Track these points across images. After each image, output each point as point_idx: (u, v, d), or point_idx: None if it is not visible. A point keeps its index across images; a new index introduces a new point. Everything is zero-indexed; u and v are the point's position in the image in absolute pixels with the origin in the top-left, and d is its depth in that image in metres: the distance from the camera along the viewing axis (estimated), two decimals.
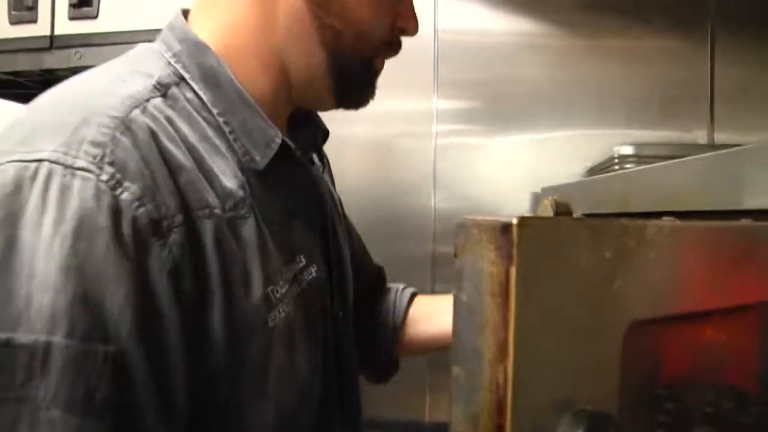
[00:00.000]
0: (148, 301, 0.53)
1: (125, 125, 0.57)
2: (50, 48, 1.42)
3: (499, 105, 1.91)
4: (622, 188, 1.00)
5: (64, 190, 0.52)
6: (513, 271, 0.35)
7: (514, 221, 0.36)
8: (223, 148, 0.65)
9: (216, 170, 0.63)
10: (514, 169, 1.90)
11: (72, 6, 1.41)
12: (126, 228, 0.53)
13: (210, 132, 0.65)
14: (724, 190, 0.64)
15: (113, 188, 0.53)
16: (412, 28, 0.78)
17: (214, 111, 0.67)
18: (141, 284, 0.53)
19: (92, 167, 0.53)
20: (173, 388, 0.56)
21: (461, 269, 0.38)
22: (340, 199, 0.98)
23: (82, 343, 0.49)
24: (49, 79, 1.55)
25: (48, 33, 1.43)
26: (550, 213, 0.40)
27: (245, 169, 0.67)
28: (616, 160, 1.49)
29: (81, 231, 0.51)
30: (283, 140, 0.69)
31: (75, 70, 1.48)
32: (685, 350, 0.47)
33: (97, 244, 0.51)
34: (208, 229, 0.60)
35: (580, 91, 1.90)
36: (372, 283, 1.09)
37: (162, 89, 0.64)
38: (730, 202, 0.61)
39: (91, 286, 0.50)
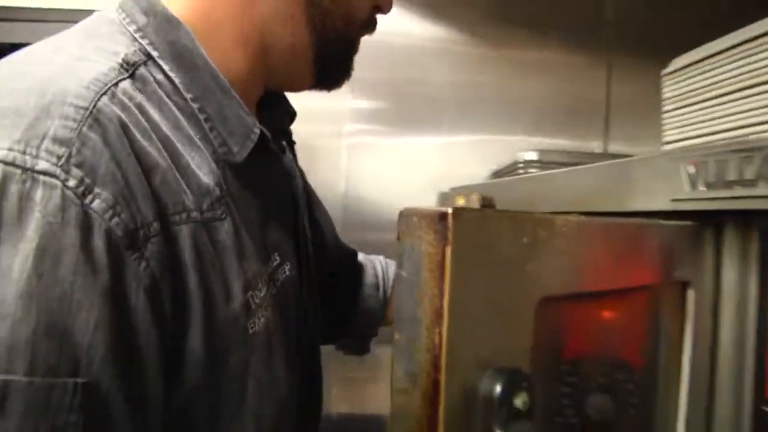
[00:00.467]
0: (124, 323, 0.48)
1: (93, 117, 0.49)
2: None
3: (409, 107, 1.98)
4: (528, 189, 1.09)
5: (24, 200, 0.44)
6: (448, 251, 0.42)
7: (450, 211, 0.42)
8: (197, 138, 0.59)
9: (192, 165, 0.57)
10: (422, 169, 1.97)
11: None
12: (98, 243, 0.46)
13: (183, 120, 0.59)
14: (616, 193, 0.73)
15: (82, 196, 0.46)
16: (388, 6, 0.74)
17: (188, 96, 0.60)
18: (116, 306, 0.47)
19: (57, 171, 0.46)
20: (149, 414, 0.50)
21: (403, 251, 0.44)
22: (306, 180, 0.94)
23: (47, 378, 0.43)
24: None
25: None
26: (477, 206, 0.47)
27: (220, 161, 0.61)
28: (521, 165, 1.60)
29: (45, 250, 0.44)
30: (261, 130, 0.64)
31: None
32: (585, 325, 0.56)
33: (64, 264, 0.44)
34: (185, 235, 0.54)
35: (486, 98, 2.00)
36: (352, 257, 1.07)
37: (129, 69, 0.56)
38: (620, 204, 0.71)
39: (56, 314, 0.44)
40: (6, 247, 0.43)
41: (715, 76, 0.86)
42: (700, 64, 0.90)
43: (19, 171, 0.44)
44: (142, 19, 0.60)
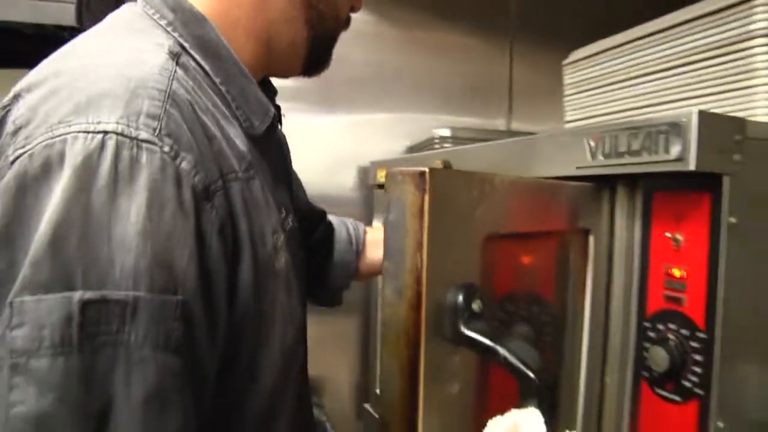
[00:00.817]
0: (205, 257, 0.60)
1: (171, 98, 0.61)
2: None
3: (328, 86, 2.08)
4: (446, 160, 1.25)
5: (134, 161, 0.55)
6: (426, 199, 0.57)
7: (427, 170, 0.57)
8: (228, 114, 0.71)
9: (231, 136, 0.69)
10: (341, 144, 2.09)
11: None
12: (186, 195, 0.58)
13: (218, 100, 0.70)
14: (530, 163, 0.90)
15: (174, 158, 0.58)
16: (360, 5, 0.89)
17: (216, 80, 0.71)
18: (200, 244, 0.59)
19: (155, 139, 0.57)
20: (218, 327, 0.62)
21: (390, 201, 0.58)
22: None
23: (161, 295, 0.55)
24: None
25: None
26: (440, 167, 0.62)
27: (246, 133, 0.73)
28: (437, 140, 1.77)
29: (153, 200, 0.55)
30: (274, 111, 0.77)
31: None
32: (514, 262, 0.72)
33: (167, 210, 0.56)
34: (236, 191, 0.66)
35: (400, 77, 2.13)
36: (322, 215, 1.18)
37: (174, 58, 0.67)
38: (534, 172, 0.88)
39: (165, 248, 0.55)
40: (124, 198, 0.54)
41: (608, 67, 1.05)
42: (596, 57, 1.08)
43: (127, 140, 0.55)
44: (169, 15, 0.71)
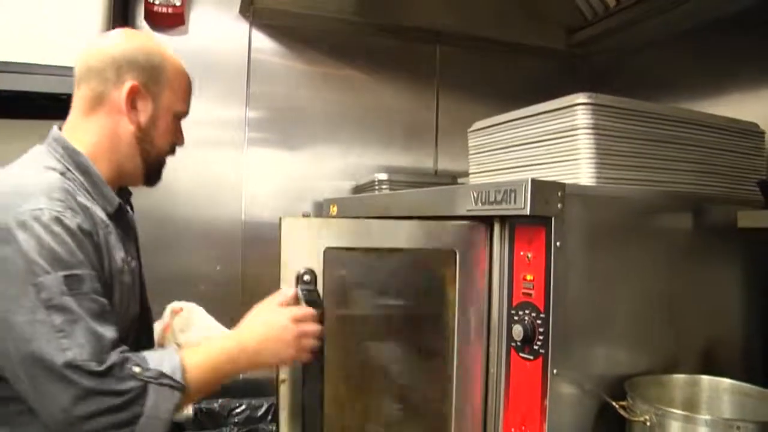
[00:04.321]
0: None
1: (66, 192, 1.15)
2: None
3: (287, 125, 2.51)
4: (384, 202, 1.68)
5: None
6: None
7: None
8: (93, 202, 1.22)
9: (96, 210, 1.21)
10: (300, 179, 2.51)
11: None
12: (78, 232, 1.11)
13: (85, 194, 1.22)
14: (437, 206, 1.33)
15: (72, 218, 1.11)
16: (182, 142, 1.42)
17: (86, 185, 1.23)
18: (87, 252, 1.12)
19: (66, 211, 1.11)
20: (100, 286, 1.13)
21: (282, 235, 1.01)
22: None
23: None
24: None
25: None
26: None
27: (106, 212, 1.24)
28: (377, 183, 2.21)
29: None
30: (119, 201, 1.29)
31: None
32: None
33: (75, 239, 1.10)
34: (102, 235, 1.19)
35: (348, 119, 2.59)
36: None
37: (62, 173, 1.20)
38: (440, 211, 1.31)
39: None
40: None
41: (494, 137, 1.50)
42: (487, 129, 1.53)
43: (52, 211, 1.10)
44: (60, 151, 1.25)
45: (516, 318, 1.21)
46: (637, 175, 1.34)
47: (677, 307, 1.33)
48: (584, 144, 1.26)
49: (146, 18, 2.32)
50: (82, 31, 1.83)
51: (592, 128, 1.27)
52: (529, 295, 1.18)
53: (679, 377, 1.27)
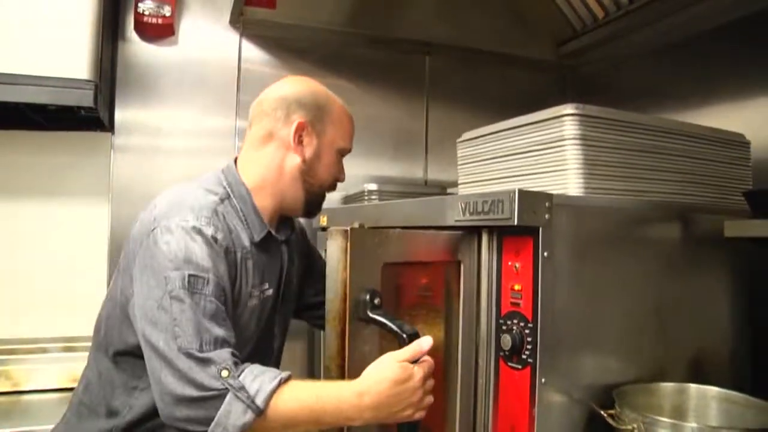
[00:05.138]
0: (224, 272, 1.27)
1: (215, 212, 1.31)
2: None
3: None
4: (375, 212, 1.68)
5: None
6: (348, 244, 1.00)
7: (349, 229, 1.00)
8: (244, 227, 1.37)
9: (243, 236, 1.36)
10: None
11: None
12: (220, 250, 1.26)
13: (240, 220, 1.37)
14: (426, 216, 1.34)
15: (215, 231, 1.26)
16: (343, 179, 1.53)
17: (242, 213, 1.38)
18: (222, 266, 1.26)
19: (208, 227, 1.26)
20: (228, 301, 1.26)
21: (329, 245, 1.02)
22: (309, 250, 1.76)
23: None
24: None
25: None
26: (356, 225, 1.05)
27: (251, 240, 1.37)
28: (366, 193, 2.21)
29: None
30: (267, 230, 1.41)
31: None
32: (411, 280, 1.16)
33: (212, 252, 1.25)
34: (239, 256, 1.32)
35: None
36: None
37: (221, 198, 1.36)
38: (429, 221, 1.31)
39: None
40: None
41: (481, 148, 1.51)
42: (475, 140, 1.54)
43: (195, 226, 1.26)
44: (228, 179, 1.42)
45: (504, 328, 1.21)
46: (624, 186, 1.35)
47: (665, 316, 1.34)
48: (572, 154, 1.27)
49: (136, 28, 2.33)
50: (71, 42, 1.84)
51: (580, 139, 1.28)
52: (517, 305, 1.19)
53: (667, 386, 1.27)
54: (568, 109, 1.30)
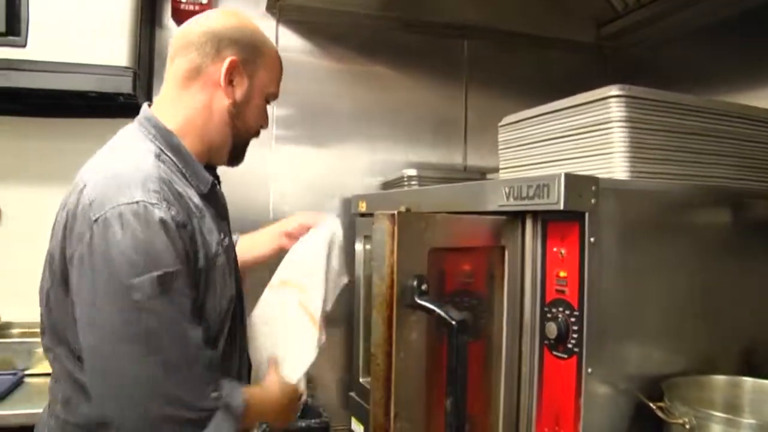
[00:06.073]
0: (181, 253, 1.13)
1: (161, 180, 1.15)
2: None
3: (316, 122, 2.50)
4: (415, 197, 1.65)
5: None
6: (395, 228, 0.97)
7: (396, 213, 0.98)
8: (187, 183, 1.25)
9: (191, 195, 1.23)
10: (326, 175, 2.50)
11: None
12: (172, 225, 1.11)
13: (180, 176, 1.24)
14: (467, 201, 1.31)
15: (168, 209, 1.11)
16: (267, 125, 1.44)
17: (180, 166, 1.25)
18: (180, 247, 1.12)
19: (161, 203, 1.11)
20: (192, 285, 1.15)
21: (375, 228, 1.00)
22: None
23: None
24: None
25: None
26: (403, 209, 1.03)
27: (199, 194, 1.26)
28: (405, 179, 2.19)
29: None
30: (212, 179, 1.31)
31: (4, 90, 1.84)
32: (455, 266, 1.13)
33: (169, 232, 1.10)
34: (196, 223, 1.19)
35: (375, 116, 2.56)
36: None
37: (156, 155, 1.21)
38: (471, 207, 1.29)
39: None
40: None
41: (525, 132, 1.47)
42: (518, 124, 1.50)
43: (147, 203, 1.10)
44: (153, 131, 1.26)
45: (549, 315, 1.18)
46: (672, 169, 1.30)
47: (715, 305, 1.30)
48: (618, 137, 1.23)
49: (173, 16, 2.33)
50: (110, 30, 1.84)
51: (626, 121, 1.24)
52: (563, 292, 1.16)
53: (720, 378, 1.23)
54: (614, 90, 1.25)
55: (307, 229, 1.61)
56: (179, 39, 1.32)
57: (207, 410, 1.11)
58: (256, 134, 1.42)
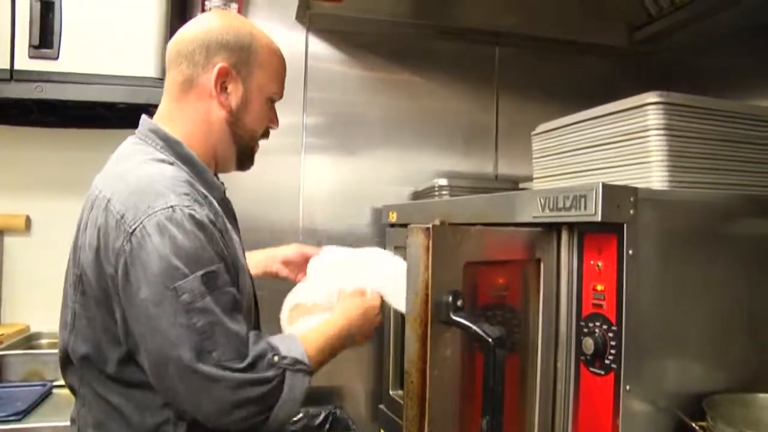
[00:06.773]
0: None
1: (188, 183, 1.17)
2: (10, 80, 1.77)
3: (346, 130, 2.49)
4: (446, 208, 1.63)
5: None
6: (430, 243, 0.95)
7: (431, 226, 0.95)
8: (205, 190, 1.25)
9: (211, 200, 1.23)
10: (358, 185, 2.48)
11: (32, 47, 1.77)
12: (205, 222, 1.12)
13: (197, 183, 1.23)
14: (500, 212, 1.28)
15: (200, 208, 1.13)
16: (276, 125, 1.41)
17: (192, 176, 1.22)
18: (216, 240, 1.14)
19: (194, 204, 1.13)
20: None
21: (410, 242, 0.97)
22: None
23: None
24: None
25: (7, 67, 1.78)
26: (438, 222, 1.00)
27: (218, 200, 1.27)
28: (436, 189, 2.16)
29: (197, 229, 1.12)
30: (223, 185, 1.33)
31: (37, 102, 1.86)
32: (489, 279, 1.10)
33: (206, 231, 1.13)
34: (221, 223, 1.19)
35: (406, 124, 2.55)
36: None
37: (170, 164, 1.21)
38: (504, 218, 1.26)
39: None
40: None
41: (560, 140, 1.44)
42: (552, 132, 1.47)
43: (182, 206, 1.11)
44: (160, 143, 1.25)
45: (586, 330, 1.14)
46: (712, 178, 1.26)
47: (758, 319, 1.25)
48: (656, 146, 1.20)
49: None
50: (139, 42, 1.85)
51: (665, 129, 1.21)
52: (600, 306, 1.12)
53: (765, 397, 1.18)
54: (652, 97, 1.22)
55: (306, 258, 1.62)
56: (170, 49, 1.30)
57: (274, 378, 1.14)
58: (264, 136, 1.39)
